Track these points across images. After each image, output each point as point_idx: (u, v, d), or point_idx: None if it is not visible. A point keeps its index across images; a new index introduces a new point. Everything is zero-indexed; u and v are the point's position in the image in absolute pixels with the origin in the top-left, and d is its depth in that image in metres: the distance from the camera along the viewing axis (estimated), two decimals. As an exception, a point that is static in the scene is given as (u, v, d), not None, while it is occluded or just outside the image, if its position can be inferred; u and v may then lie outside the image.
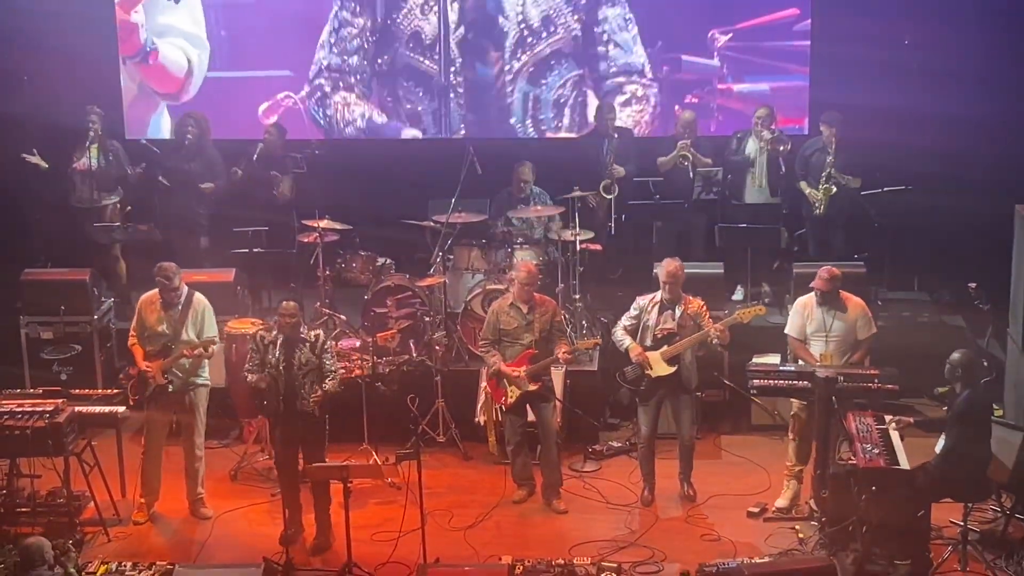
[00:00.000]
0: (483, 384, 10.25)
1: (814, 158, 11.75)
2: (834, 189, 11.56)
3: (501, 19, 12.99)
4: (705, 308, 9.64)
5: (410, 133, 13.30)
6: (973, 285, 11.11)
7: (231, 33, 13.32)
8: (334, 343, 9.84)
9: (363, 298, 11.36)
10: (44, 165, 12.05)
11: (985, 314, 11.12)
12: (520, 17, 12.98)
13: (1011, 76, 12.11)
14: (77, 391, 9.83)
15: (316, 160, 12.15)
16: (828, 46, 12.52)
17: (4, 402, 9.39)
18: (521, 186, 11.93)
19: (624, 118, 12.84)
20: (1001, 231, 10.62)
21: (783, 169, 11.83)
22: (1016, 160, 11.83)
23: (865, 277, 11.03)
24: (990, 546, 8.84)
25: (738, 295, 11.94)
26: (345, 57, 13.23)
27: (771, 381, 9.43)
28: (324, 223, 11.35)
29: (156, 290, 9.54)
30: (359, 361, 10.41)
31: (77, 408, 9.46)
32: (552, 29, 12.99)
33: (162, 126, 13.46)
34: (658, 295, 9.67)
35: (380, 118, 13.31)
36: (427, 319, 11.11)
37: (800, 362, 9.54)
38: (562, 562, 8.53)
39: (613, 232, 11.98)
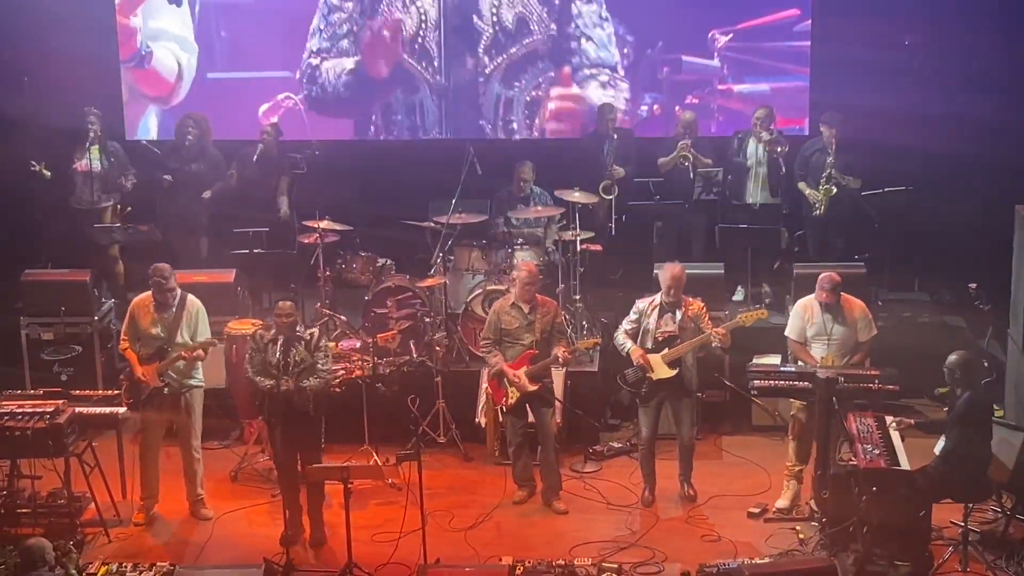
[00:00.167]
0: (484, 385, 10.26)
1: (814, 159, 11.74)
2: (834, 190, 11.56)
3: (476, 20, 13.01)
4: (705, 310, 9.63)
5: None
6: (973, 286, 11.13)
7: (231, 34, 13.33)
8: (332, 344, 9.82)
9: (363, 299, 11.37)
10: (47, 174, 12.07)
11: (985, 315, 11.14)
12: (495, 19, 12.99)
13: (1011, 77, 12.13)
14: (77, 392, 9.80)
15: (316, 161, 12.16)
16: (828, 47, 12.53)
17: (5, 403, 9.39)
18: (521, 185, 11.94)
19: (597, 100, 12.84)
20: (1001, 232, 10.62)
21: (783, 169, 11.84)
22: (1016, 161, 11.82)
23: (865, 278, 11.03)
24: (991, 547, 8.83)
25: (738, 296, 11.93)
26: (335, 42, 13.27)
27: (772, 382, 9.43)
28: (324, 224, 11.34)
29: (148, 293, 9.52)
30: (359, 362, 10.41)
31: (78, 409, 9.46)
32: (527, 30, 13.00)
33: (150, 128, 13.49)
34: (657, 298, 9.65)
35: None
36: (427, 320, 11.11)
37: (800, 363, 9.55)
38: (562, 563, 8.53)
39: (613, 232, 11.98)
